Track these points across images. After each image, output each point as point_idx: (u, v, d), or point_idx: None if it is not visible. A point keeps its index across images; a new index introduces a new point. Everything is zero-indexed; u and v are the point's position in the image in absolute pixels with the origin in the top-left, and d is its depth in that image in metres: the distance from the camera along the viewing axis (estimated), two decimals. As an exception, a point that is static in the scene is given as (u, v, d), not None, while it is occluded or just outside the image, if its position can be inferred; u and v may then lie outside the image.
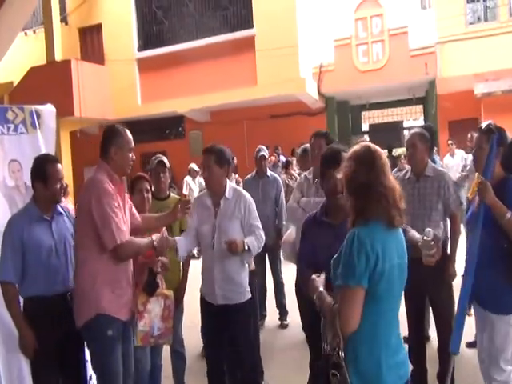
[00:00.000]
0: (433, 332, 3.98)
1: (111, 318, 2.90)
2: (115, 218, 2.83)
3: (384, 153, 2.06)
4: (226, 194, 3.38)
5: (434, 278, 3.35)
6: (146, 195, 3.66)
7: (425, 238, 2.49)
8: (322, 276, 2.21)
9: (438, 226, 3.49)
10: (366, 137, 14.32)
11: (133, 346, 3.19)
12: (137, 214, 3.28)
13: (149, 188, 3.72)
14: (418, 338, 3.64)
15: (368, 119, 14.61)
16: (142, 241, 3.04)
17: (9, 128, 4.01)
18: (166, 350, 4.00)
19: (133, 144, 3.18)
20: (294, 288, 3.96)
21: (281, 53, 11.97)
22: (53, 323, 3.09)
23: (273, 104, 13.11)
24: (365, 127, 14.82)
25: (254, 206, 3.44)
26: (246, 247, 3.24)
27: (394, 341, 1.98)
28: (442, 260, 2.84)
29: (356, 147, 2.04)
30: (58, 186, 3.20)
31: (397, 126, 14.84)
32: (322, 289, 2.11)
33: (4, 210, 3.78)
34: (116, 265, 2.93)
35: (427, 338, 4.45)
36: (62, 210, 3.35)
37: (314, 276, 2.21)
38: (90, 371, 3.64)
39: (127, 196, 3.21)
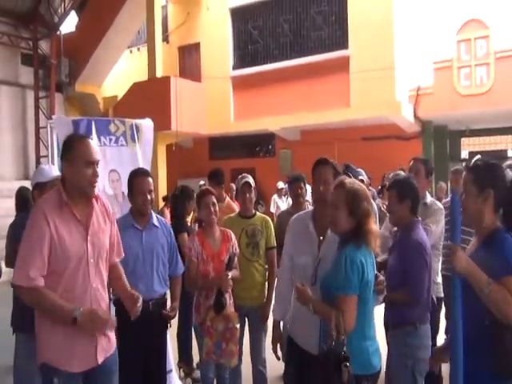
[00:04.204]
0: None
1: (55, 369, 2.44)
2: (26, 252, 2.38)
3: None
4: None
5: None
6: (212, 209, 3.67)
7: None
8: (306, 285, 2.47)
9: None
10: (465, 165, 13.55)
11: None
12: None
13: (215, 202, 3.73)
14: None
15: (468, 146, 13.82)
16: (58, 306, 2.37)
17: (110, 140, 4.19)
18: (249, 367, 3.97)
19: (92, 157, 2.49)
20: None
21: (376, 74, 11.71)
22: (134, 326, 3.10)
23: (365, 126, 12.80)
24: (464, 154, 14.04)
25: None
26: None
27: (372, 332, 2.48)
28: None
29: (355, 186, 2.44)
30: (142, 198, 3.29)
31: (500, 155, 13.89)
32: (315, 297, 2.44)
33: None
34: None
35: None
36: (158, 224, 3.43)
37: (298, 285, 2.46)
38: (170, 366, 3.82)
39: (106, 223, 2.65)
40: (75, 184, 2.47)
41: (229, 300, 3.60)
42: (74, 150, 2.48)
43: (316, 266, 2.68)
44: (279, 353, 3.13)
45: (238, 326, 3.52)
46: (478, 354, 2.15)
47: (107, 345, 2.60)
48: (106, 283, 2.68)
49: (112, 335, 2.66)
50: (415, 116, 12.71)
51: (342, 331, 2.27)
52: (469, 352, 2.12)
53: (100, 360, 2.53)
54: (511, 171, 2.32)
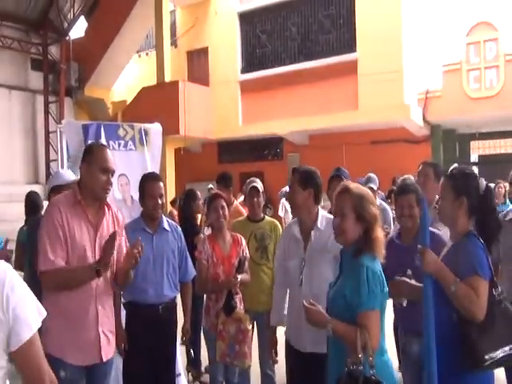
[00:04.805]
0: None
1: (60, 360, 2.46)
2: (44, 242, 2.49)
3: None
4: (318, 224, 2.88)
5: None
6: (221, 212, 3.71)
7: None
8: (317, 305, 2.31)
9: None
10: (475, 168, 13.45)
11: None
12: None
13: (225, 205, 3.76)
14: None
15: (477, 149, 13.74)
16: (79, 270, 2.54)
17: (119, 144, 4.21)
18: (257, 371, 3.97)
19: (108, 165, 2.69)
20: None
21: (384, 78, 11.66)
22: (144, 329, 3.23)
23: (374, 130, 12.76)
24: (473, 158, 13.94)
25: None
26: None
27: (385, 344, 2.33)
28: None
29: (361, 190, 2.35)
30: (153, 202, 3.31)
31: (510, 158, 13.77)
32: (330, 317, 2.25)
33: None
34: (70, 300, 2.52)
35: None
36: (169, 228, 3.45)
37: (307, 305, 2.27)
38: (179, 369, 3.84)
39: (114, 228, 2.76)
40: (89, 187, 2.65)
41: (239, 303, 3.63)
42: (92, 154, 2.69)
43: (302, 268, 2.82)
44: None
45: (249, 327, 3.55)
46: (447, 350, 2.25)
47: (109, 346, 2.67)
48: (111, 289, 2.74)
49: (113, 339, 2.71)
50: (424, 119, 12.65)
51: (370, 351, 2.08)
52: (440, 349, 2.24)
53: (104, 357, 2.60)
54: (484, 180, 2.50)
